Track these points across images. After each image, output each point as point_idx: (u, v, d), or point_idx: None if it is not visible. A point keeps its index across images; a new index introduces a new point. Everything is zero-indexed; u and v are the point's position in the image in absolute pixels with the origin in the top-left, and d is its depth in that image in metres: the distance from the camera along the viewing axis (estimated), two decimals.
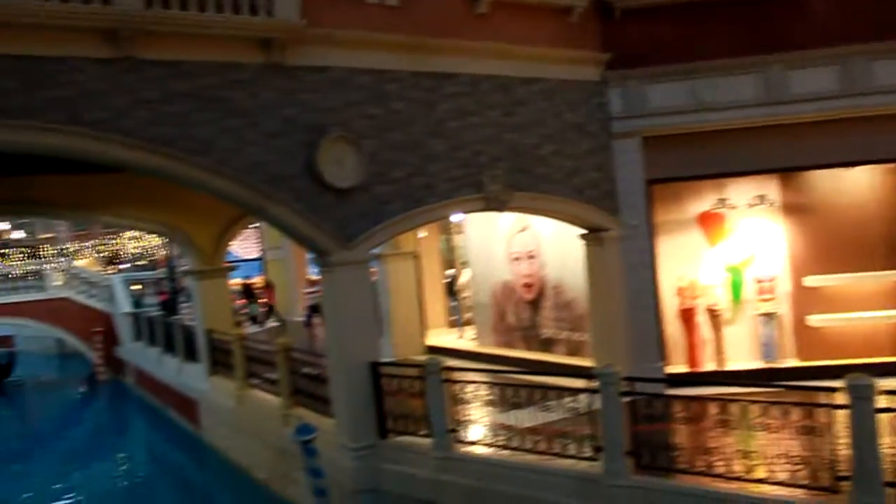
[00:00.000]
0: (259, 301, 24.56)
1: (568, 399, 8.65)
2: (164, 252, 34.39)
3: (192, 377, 17.77)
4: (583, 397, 8.31)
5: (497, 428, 9.23)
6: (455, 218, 15.62)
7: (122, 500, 15.65)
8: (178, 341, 18.96)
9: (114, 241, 43.37)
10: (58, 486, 17.27)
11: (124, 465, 18.76)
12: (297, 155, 9.49)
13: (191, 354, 18.11)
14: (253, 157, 9.20)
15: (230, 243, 17.42)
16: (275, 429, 12.50)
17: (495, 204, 11.04)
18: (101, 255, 41.70)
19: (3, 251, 35.82)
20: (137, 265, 37.73)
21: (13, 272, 26.83)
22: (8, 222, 49.25)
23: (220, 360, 15.96)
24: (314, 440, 9.54)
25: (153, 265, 37.45)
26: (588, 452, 8.15)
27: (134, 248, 32.67)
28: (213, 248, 16.32)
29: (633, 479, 7.74)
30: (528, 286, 14.40)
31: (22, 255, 33.78)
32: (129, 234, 32.97)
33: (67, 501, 15.57)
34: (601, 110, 12.11)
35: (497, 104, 11.09)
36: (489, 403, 9.40)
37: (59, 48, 8.14)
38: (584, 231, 12.28)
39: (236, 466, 14.95)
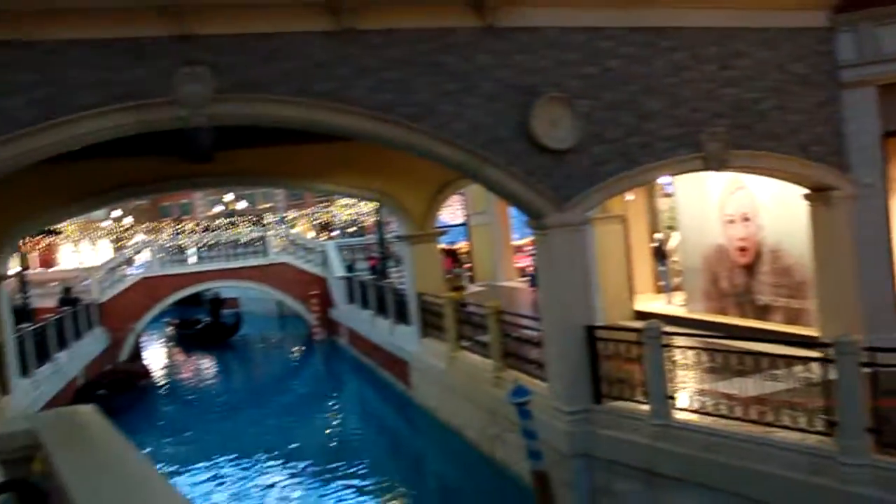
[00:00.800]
0: (463, 266, 25.10)
1: (799, 368, 8.13)
2: (374, 219, 36.03)
3: (403, 339, 18.47)
4: (815, 366, 7.80)
5: (718, 396, 8.86)
6: (663, 180, 15.12)
7: (338, 451, 16.59)
8: (389, 304, 19.74)
9: (327, 210, 45.89)
10: (281, 433, 18.74)
11: (339, 419, 20.02)
12: (511, 117, 9.51)
13: (402, 317, 18.82)
14: (470, 120, 9.31)
15: (440, 209, 17.82)
16: (486, 391, 12.72)
17: (714, 163, 10.53)
18: (316, 222, 44.31)
19: (231, 220, 38.75)
20: (349, 232, 39.70)
21: (239, 239, 28.93)
22: (232, 193, 53.33)
23: (431, 323, 16.47)
24: (529, 402, 9.61)
25: (362, 232, 39.28)
26: (820, 426, 7.63)
27: (347, 215, 34.26)
28: (423, 213, 16.77)
29: (872, 459, 7.14)
30: (742, 250, 13.70)
31: (246, 224, 36.39)
32: (341, 202, 34.55)
33: (291, 447, 16.91)
34: (828, 59, 11.20)
35: (714, 58, 10.55)
36: (709, 371, 9.05)
37: (288, 24, 8.61)
38: (808, 191, 11.48)
39: (446, 426, 15.40)
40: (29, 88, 8.12)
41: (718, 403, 8.73)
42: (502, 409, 11.14)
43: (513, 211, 28.19)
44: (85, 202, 15.44)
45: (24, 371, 16.58)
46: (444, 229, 18.71)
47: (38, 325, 18.67)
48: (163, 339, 33.62)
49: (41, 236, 30.52)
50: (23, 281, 20.90)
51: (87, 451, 3.08)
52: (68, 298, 23.34)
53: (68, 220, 32.98)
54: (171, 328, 33.38)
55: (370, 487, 13.75)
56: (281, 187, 22.86)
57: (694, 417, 8.89)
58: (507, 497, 11.79)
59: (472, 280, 24.42)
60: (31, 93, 8.13)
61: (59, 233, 33.05)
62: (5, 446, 3.40)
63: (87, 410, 3.68)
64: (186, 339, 34.17)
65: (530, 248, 27.30)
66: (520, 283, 23.14)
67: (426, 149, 9.36)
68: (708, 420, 8.72)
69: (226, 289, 33.40)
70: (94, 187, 15.04)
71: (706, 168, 10.66)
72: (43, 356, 18.35)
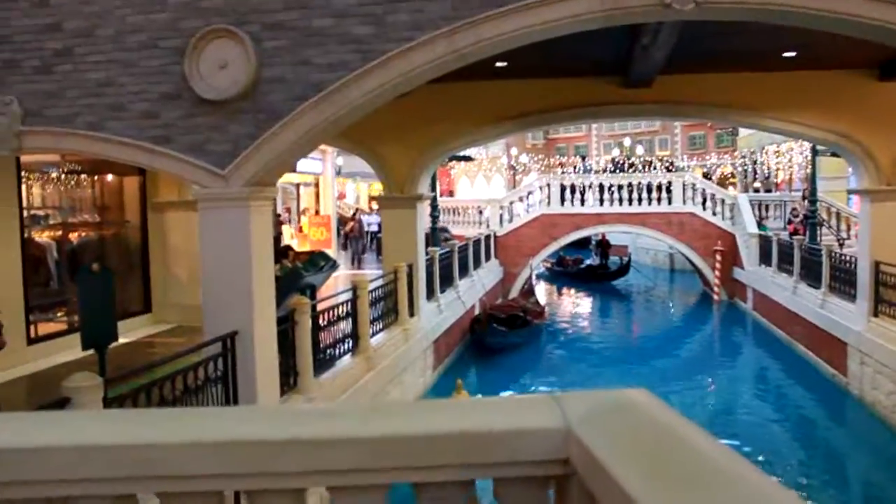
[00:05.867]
0: None
1: None
2: (788, 174, 32.01)
3: (840, 314, 15.39)
4: None
5: None
6: None
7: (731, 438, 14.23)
8: (823, 271, 16.65)
9: (724, 160, 42.31)
10: (661, 395, 16.69)
11: (739, 398, 17.22)
12: None
13: (840, 288, 15.76)
14: None
15: None
16: None
17: None
18: (714, 173, 41.09)
19: (632, 163, 37.11)
20: (754, 187, 35.97)
21: (646, 183, 27.05)
22: (628, 138, 51.72)
23: (890, 300, 13.30)
24: None
25: (769, 188, 35.34)
26: None
27: (777, 164, 30.66)
28: (893, 165, 13.46)
29: None
30: None
31: (649, 168, 34.45)
32: (772, 148, 30.83)
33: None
34: None
35: None
36: None
37: None
38: None
39: None
40: None
41: None
42: None
43: None
44: (507, 124, 14.64)
45: (430, 294, 16.53)
46: None
47: (446, 251, 18.67)
48: (542, 277, 33.00)
49: (452, 162, 31.45)
50: (434, 205, 21.16)
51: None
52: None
53: (482, 145, 33.69)
54: (549, 266, 32.58)
55: None
56: (723, 121, 20.48)
57: None
58: None
59: None
60: None
61: (472, 159, 33.81)
62: (528, 451, 1.93)
63: (641, 396, 2.08)
64: (567, 278, 33.60)
65: None
66: None
67: None
68: None
69: (615, 234, 31.98)
70: (520, 109, 14.15)
71: None
72: (446, 282, 18.33)
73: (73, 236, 13.96)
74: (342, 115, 7.37)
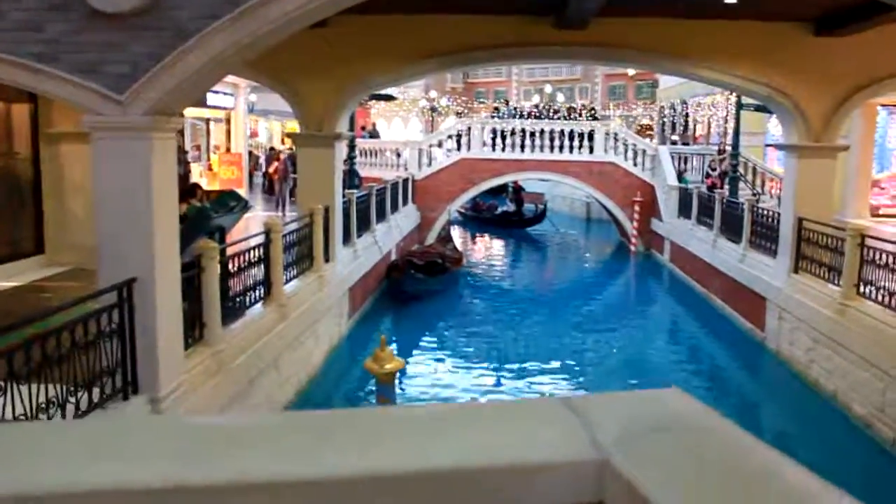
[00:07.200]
0: None
1: None
2: (708, 127, 32.16)
3: (760, 269, 15.38)
4: None
5: None
6: None
7: (653, 380, 14.12)
8: (744, 225, 16.61)
9: (646, 112, 42.41)
10: (576, 343, 16.66)
11: (653, 343, 17.31)
12: None
13: (760, 244, 15.76)
14: None
15: (845, 119, 14.20)
16: None
17: None
18: (635, 124, 41.14)
19: (557, 109, 36.68)
20: (671, 139, 36.10)
21: (568, 131, 26.60)
22: (549, 85, 51.33)
23: (811, 257, 13.28)
24: None
25: (686, 140, 35.54)
26: None
27: (703, 115, 30.57)
28: (823, 121, 13.36)
29: None
30: None
31: (573, 115, 34.04)
32: (695, 101, 30.67)
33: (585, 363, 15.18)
34: None
35: None
36: None
37: None
38: None
39: (818, 390, 12.37)
40: None
41: None
42: None
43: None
44: (431, 62, 13.85)
45: (347, 239, 15.81)
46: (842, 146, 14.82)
47: (363, 194, 17.90)
48: (455, 222, 32.56)
49: (372, 101, 30.38)
50: (352, 146, 20.29)
51: None
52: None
53: (403, 84, 32.57)
54: (463, 211, 32.03)
55: None
56: (657, 68, 20.09)
57: None
58: None
59: None
60: None
61: (394, 98, 32.71)
62: (545, 494, 1.31)
63: (682, 401, 1.51)
64: (481, 224, 33.30)
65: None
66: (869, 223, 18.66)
67: None
68: None
69: (530, 182, 31.66)
70: (446, 46, 13.39)
71: None
72: (363, 226, 17.61)
73: None
74: (259, 38, 6.51)
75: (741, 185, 21.91)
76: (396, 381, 8.97)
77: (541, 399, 1.57)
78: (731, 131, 22.84)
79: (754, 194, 21.93)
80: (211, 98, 23.63)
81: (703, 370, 15.46)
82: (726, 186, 20.89)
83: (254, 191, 27.64)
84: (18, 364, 5.26)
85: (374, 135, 33.76)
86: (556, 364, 14.62)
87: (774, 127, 26.74)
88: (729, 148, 22.51)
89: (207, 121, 26.10)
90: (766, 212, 16.15)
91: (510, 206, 34.58)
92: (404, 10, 12.73)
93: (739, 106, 20.42)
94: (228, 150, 25.66)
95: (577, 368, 14.87)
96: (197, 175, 22.20)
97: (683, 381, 14.28)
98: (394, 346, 15.25)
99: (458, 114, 46.27)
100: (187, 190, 13.47)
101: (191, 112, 23.70)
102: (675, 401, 1.53)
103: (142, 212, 6.66)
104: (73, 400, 5.88)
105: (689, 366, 15.77)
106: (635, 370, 14.57)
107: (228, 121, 26.45)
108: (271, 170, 26.18)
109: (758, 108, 20.00)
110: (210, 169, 23.77)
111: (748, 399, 13.81)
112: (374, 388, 9.70)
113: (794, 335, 13.53)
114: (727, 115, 25.58)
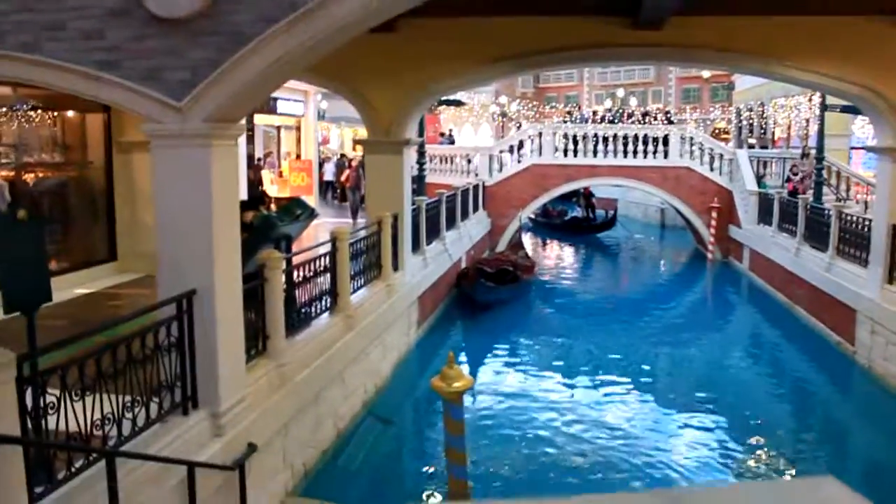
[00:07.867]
0: None
1: None
2: (788, 130, 30.95)
3: (848, 279, 14.56)
4: None
5: None
6: None
7: (734, 396, 13.42)
8: (832, 233, 15.76)
9: (723, 115, 41.16)
10: (652, 355, 16.09)
11: (732, 356, 16.38)
12: None
13: (851, 252, 14.92)
14: None
15: None
16: None
17: None
18: (711, 127, 39.97)
19: (631, 113, 35.91)
20: (749, 143, 34.93)
21: (642, 135, 25.90)
22: (622, 89, 50.43)
23: None
24: None
25: (764, 144, 34.35)
26: None
27: (784, 118, 29.38)
28: None
29: None
30: None
31: (647, 120, 33.26)
32: (778, 101, 29.49)
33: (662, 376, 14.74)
34: None
35: None
36: None
37: None
38: None
39: None
40: None
41: None
42: None
43: None
44: (502, 66, 13.50)
45: (416, 247, 15.57)
46: None
47: (433, 200, 17.64)
48: (524, 228, 32.02)
49: (441, 107, 30.18)
50: (421, 152, 20.04)
51: None
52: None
53: (473, 89, 32.18)
54: (532, 217, 31.32)
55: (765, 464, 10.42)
56: (736, 69, 19.43)
57: None
58: None
59: None
60: None
61: (463, 104, 32.43)
62: None
63: (833, 487, 1.07)
64: (551, 230, 32.75)
65: None
66: None
67: None
68: None
69: (604, 188, 30.93)
70: (517, 49, 13.03)
71: None
72: (433, 234, 17.35)
73: (30, 178, 12.82)
74: (320, 41, 6.26)
75: (825, 189, 20.88)
76: (465, 399, 8.59)
77: (681, 493, 1.21)
78: (812, 134, 21.86)
79: (839, 199, 20.93)
80: (281, 105, 23.75)
81: (788, 386, 14.67)
82: (810, 191, 19.94)
83: (325, 198, 27.66)
84: (73, 378, 5.10)
85: (452, 141, 33.57)
86: (631, 380, 14.00)
87: (860, 129, 25.57)
88: (813, 151, 21.54)
89: (278, 128, 26.25)
90: (854, 218, 15.28)
91: (579, 212, 34.00)
92: (474, 14, 12.42)
93: (824, 107, 19.47)
94: (299, 156, 25.75)
95: (653, 384, 14.26)
96: (267, 182, 22.27)
97: (767, 399, 13.60)
98: (463, 357, 14.91)
99: (532, 119, 45.75)
100: (256, 198, 13.46)
101: (262, 119, 23.87)
102: (829, 492, 1.17)
103: (201, 221, 6.49)
104: (129, 416, 5.72)
105: (773, 380, 15.01)
106: (716, 388, 13.77)
107: (299, 128, 26.55)
108: (343, 178, 26.07)
109: (844, 109, 19.04)
110: (280, 175, 23.85)
111: (839, 419, 12.99)
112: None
113: (888, 350, 12.71)
114: (809, 117, 24.51)
